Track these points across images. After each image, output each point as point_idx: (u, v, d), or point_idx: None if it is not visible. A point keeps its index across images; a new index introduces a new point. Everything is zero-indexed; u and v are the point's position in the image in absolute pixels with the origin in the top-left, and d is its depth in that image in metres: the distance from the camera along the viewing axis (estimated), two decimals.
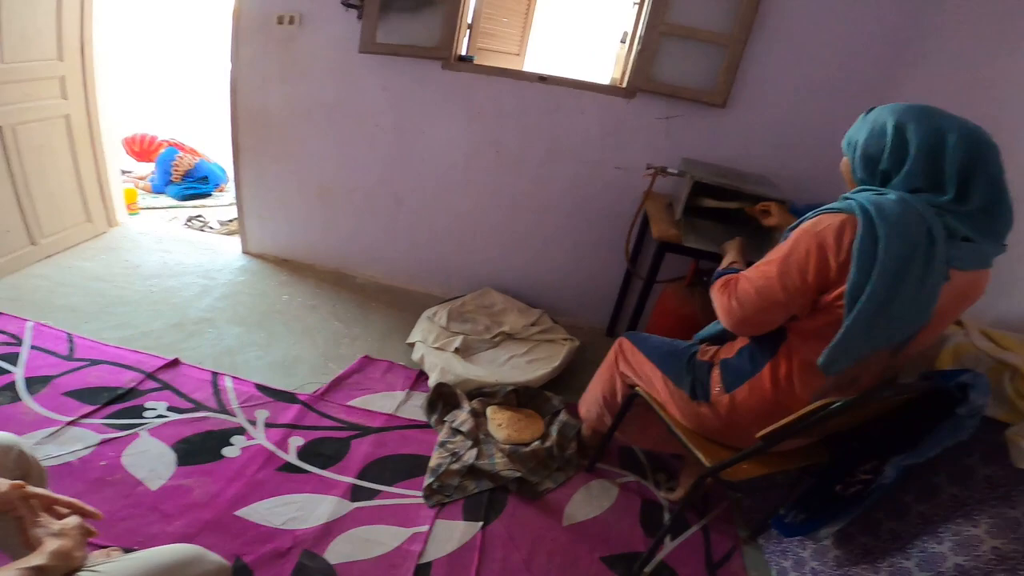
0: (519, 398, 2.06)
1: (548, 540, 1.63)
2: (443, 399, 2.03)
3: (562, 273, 2.67)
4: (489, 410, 1.99)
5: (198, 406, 1.87)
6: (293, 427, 1.86)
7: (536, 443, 1.87)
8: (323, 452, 1.78)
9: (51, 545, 0.82)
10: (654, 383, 1.53)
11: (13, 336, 2.07)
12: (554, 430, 1.92)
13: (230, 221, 3.43)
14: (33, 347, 2.02)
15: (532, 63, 2.75)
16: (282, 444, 1.78)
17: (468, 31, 2.40)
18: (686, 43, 2.16)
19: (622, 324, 2.57)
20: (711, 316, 1.41)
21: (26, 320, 2.16)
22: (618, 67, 2.54)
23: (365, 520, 1.58)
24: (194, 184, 3.99)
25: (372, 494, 1.67)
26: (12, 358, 1.95)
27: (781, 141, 2.28)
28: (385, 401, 2.05)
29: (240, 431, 1.80)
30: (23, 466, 1.03)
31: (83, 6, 2.54)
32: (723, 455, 1.38)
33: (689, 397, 1.43)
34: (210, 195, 4.06)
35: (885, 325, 1.06)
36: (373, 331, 2.45)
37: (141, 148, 4.24)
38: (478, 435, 1.90)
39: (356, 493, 1.66)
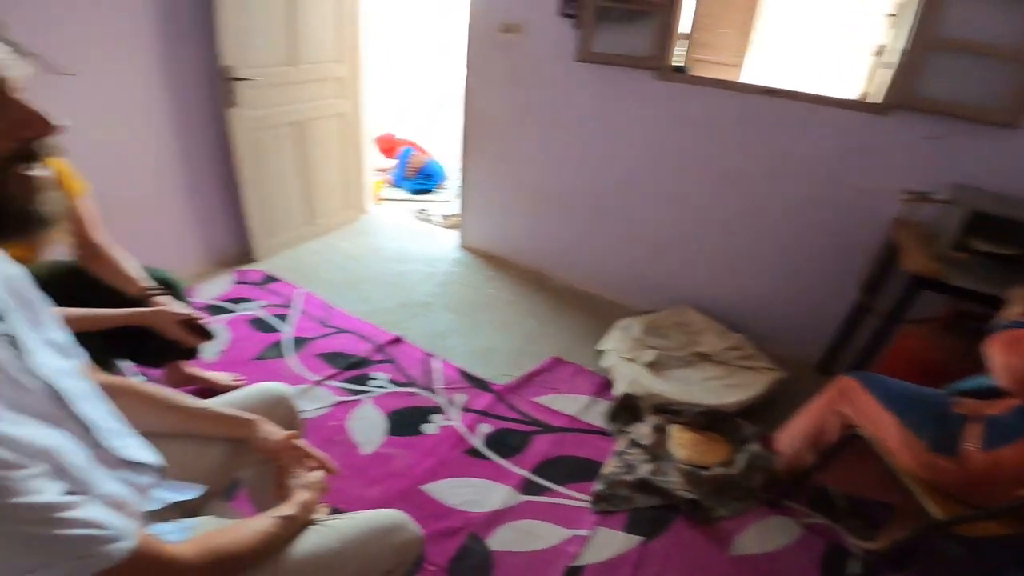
0: (707, 421, 2.03)
1: (709, 567, 1.61)
2: (627, 410, 2.08)
3: (773, 300, 2.52)
4: (673, 428, 2.00)
5: (411, 382, 2.17)
6: (484, 414, 2.07)
7: (719, 468, 1.84)
8: (507, 442, 1.95)
9: (300, 496, 0.95)
10: (885, 428, 1.44)
11: (287, 299, 2.59)
12: (742, 459, 1.86)
13: (451, 216, 3.82)
14: (302, 311, 2.52)
15: (752, 75, 2.61)
16: (472, 428, 1.99)
17: (685, 41, 2.36)
18: (961, 57, 1.88)
19: (841, 361, 2.35)
20: (966, 366, 1.30)
21: (298, 288, 2.68)
22: (869, 82, 2.30)
23: (531, 514, 1.70)
24: (422, 180, 4.51)
25: (542, 490, 1.79)
26: (284, 319, 2.45)
27: None
28: (569, 403, 2.17)
29: (439, 411, 2.05)
30: (289, 418, 1.19)
31: (353, 13, 3.02)
32: (956, 509, 1.28)
33: (928, 448, 1.34)
34: (432, 191, 4.55)
35: None
36: (565, 333, 2.59)
37: (386, 145, 4.88)
38: (657, 451, 1.92)
39: (528, 487, 1.79)
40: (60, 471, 0.65)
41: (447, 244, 3.37)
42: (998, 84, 1.86)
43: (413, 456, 1.85)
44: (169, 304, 1.49)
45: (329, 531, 0.94)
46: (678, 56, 2.38)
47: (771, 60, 2.78)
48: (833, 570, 1.62)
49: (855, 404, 1.54)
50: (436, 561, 1.51)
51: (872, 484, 1.62)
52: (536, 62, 2.61)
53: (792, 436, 1.76)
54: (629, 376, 2.18)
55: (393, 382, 2.16)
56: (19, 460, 0.59)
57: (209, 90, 2.53)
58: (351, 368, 2.20)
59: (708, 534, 1.71)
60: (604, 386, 2.27)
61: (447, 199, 4.13)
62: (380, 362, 2.26)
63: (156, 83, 2.35)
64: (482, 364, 2.32)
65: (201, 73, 2.48)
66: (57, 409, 0.76)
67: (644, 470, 1.84)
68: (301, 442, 1.06)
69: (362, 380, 2.15)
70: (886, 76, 2.06)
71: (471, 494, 1.74)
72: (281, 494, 1.00)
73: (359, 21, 3.08)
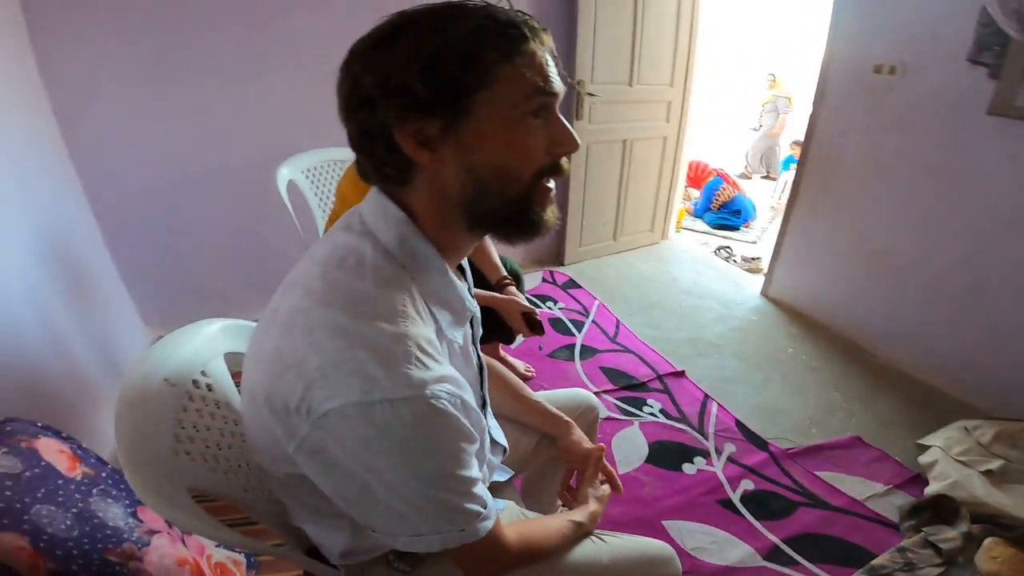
0: None
1: None
2: (934, 510, 1.78)
3: None
4: (988, 540, 1.65)
5: (683, 418, 2.21)
6: (751, 471, 1.99)
7: None
8: (767, 505, 1.85)
9: (592, 507, 0.99)
10: None
11: (584, 308, 2.83)
12: None
13: (754, 259, 3.67)
14: (594, 322, 2.74)
15: None
16: (733, 482, 1.94)
17: None
18: None
19: None
20: None
21: (595, 299, 2.91)
22: None
23: None
24: (727, 215, 4.38)
25: (790, 562, 1.66)
26: (579, 326, 2.70)
27: None
28: (858, 486, 1.95)
29: (705, 454, 2.05)
30: (591, 426, 1.25)
31: (691, 41, 3.10)
32: None
33: None
34: (738, 229, 4.37)
35: None
36: (874, 416, 2.30)
37: (695, 174, 4.84)
38: (956, 558, 1.62)
39: (774, 554, 1.68)
40: (481, 447, 0.74)
41: (747, 288, 3.28)
42: None
43: (664, 489, 1.89)
44: (517, 295, 1.70)
45: (604, 546, 0.98)
46: None
47: None
48: None
49: None
50: None
51: None
52: (920, 109, 2.32)
53: None
54: (955, 478, 1.85)
55: (664, 413, 2.23)
56: (474, 435, 0.66)
57: (563, 103, 2.88)
58: (628, 388, 2.33)
59: None
60: (910, 480, 1.98)
61: (753, 240, 3.97)
62: (657, 391, 2.34)
63: None
64: (763, 422, 2.23)
65: None
66: (480, 387, 0.86)
67: (929, 572, 1.58)
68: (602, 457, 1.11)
69: (636, 403, 2.27)
70: None
71: (709, 543, 1.71)
72: (566, 497, 1.09)
73: (695, 49, 3.18)
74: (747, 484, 1.93)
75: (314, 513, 0.80)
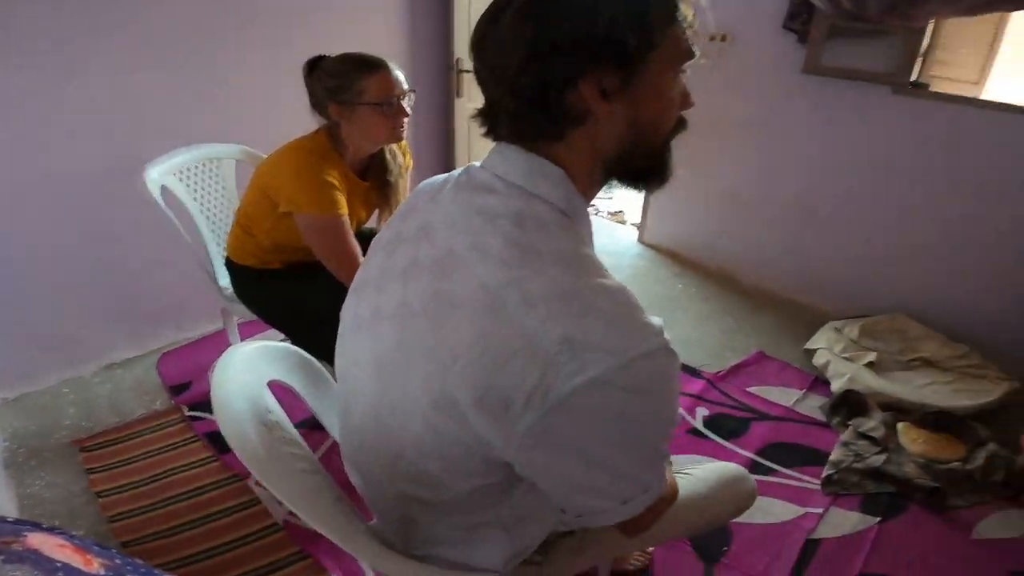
0: (936, 421, 1.96)
1: (950, 546, 1.60)
2: (848, 405, 2.06)
3: (1001, 314, 2.31)
4: (901, 425, 1.96)
5: None
6: (698, 398, 2.11)
7: (956, 463, 1.80)
8: (725, 426, 1.99)
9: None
10: None
11: None
12: (980, 456, 1.81)
13: (617, 212, 3.85)
14: None
15: (995, 93, 2.41)
16: (690, 411, 2.04)
17: (921, 58, 2.25)
18: None
19: None
20: None
21: None
22: None
23: (761, 492, 1.66)
24: None
25: (769, 471, 1.81)
26: None
27: None
28: (782, 395, 2.17)
29: None
30: None
31: None
32: None
33: None
34: None
35: None
36: (764, 332, 2.57)
37: None
38: (887, 444, 1.90)
39: (755, 467, 1.82)
40: None
41: (623, 238, 3.44)
42: None
43: None
44: None
45: (693, 480, 1.00)
46: (913, 72, 2.28)
47: (1018, 79, 2.55)
48: None
49: None
50: None
51: None
52: (751, 71, 2.63)
53: None
54: (848, 374, 2.15)
55: None
56: None
57: (438, 80, 2.78)
58: None
59: (945, 519, 1.69)
60: (815, 383, 2.24)
61: (609, 196, 4.15)
62: None
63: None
64: (687, 353, 2.36)
65: (431, 63, 2.75)
66: None
67: (875, 460, 1.82)
68: None
69: None
70: None
71: None
72: None
73: None
74: (702, 411, 2.04)
75: (470, 531, 0.72)
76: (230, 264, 1.68)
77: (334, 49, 1.47)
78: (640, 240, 3.34)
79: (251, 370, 0.78)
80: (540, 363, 0.51)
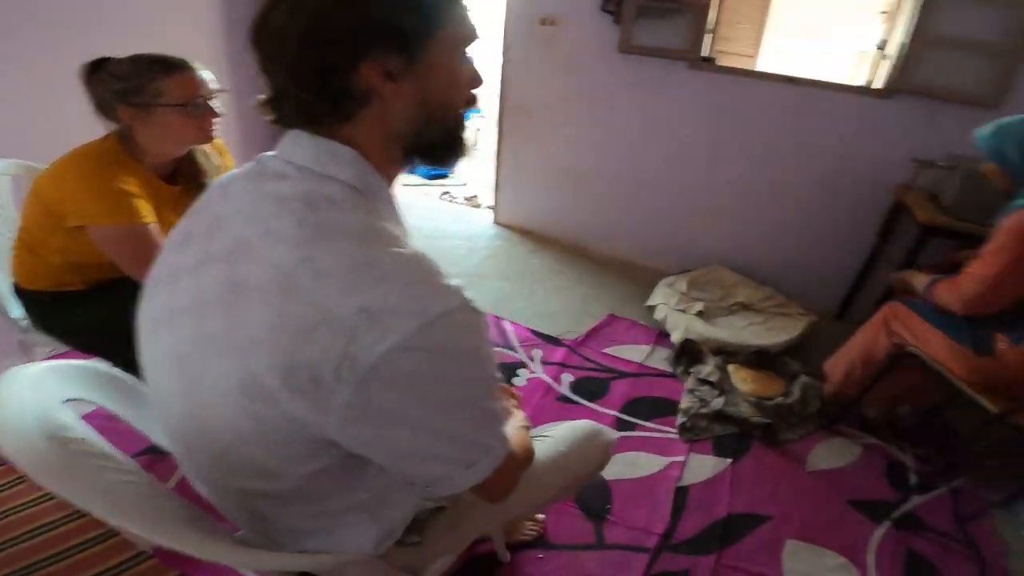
0: (758, 359, 2.21)
1: (793, 481, 1.80)
2: (688, 354, 2.25)
3: (795, 257, 2.73)
4: (731, 367, 2.17)
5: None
6: (563, 365, 2.21)
7: (780, 398, 2.01)
8: (589, 388, 2.10)
9: (518, 412, 0.99)
10: (934, 343, 1.65)
11: None
12: (796, 389, 2.06)
13: (472, 197, 3.90)
14: None
15: (766, 64, 2.80)
16: (556, 378, 2.13)
17: (709, 34, 2.54)
18: (955, 51, 2.12)
19: (857, 307, 2.57)
20: None
21: None
22: (871, 70, 2.53)
23: (630, 447, 1.85)
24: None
25: (634, 426, 1.95)
26: None
27: None
28: (633, 352, 2.33)
29: (523, 366, 2.18)
30: None
31: None
32: (1006, 405, 1.48)
33: (974, 353, 1.55)
34: (447, 176, 4.60)
35: None
36: (614, 295, 2.74)
37: None
38: (723, 386, 2.10)
39: (621, 424, 1.95)
40: None
41: (479, 222, 3.47)
42: (984, 72, 2.12)
43: None
44: None
45: (552, 441, 1.05)
46: (704, 48, 2.56)
47: (782, 51, 2.97)
48: (896, 481, 1.83)
49: (906, 324, 1.75)
50: None
51: (916, 391, 1.89)
52: (578, 53, 2.74)
53: (842, 363, 1.96)
54: (683, 325, 2.34)
55: None
56: None
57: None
58: None
59: (782, 454, 1.90)
60: (659, 336, 2.44)
61: (463, 182, 4.19)
62: None
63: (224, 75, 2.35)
64: (549, 323, 2.45)
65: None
66: None
67: (716, 403, 2.01)
68: None
69: None
70: (886, 66, 2.32)
71: None
72: None
73: None
74: (567, 377, 2.13)
75: (332, 519, 0.71)
76: (20, 291, 1.45)
77: (132, 51, 1.32)
78: (496, 222, 3.39)
79: (38, 389, 0.69)
80: (342, 335, 0.51)
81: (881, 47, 2.44)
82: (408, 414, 0.56)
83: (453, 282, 0.57)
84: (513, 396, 1.10)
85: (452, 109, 0.68)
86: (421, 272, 0.56)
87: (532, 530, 1.48)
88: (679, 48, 2.50)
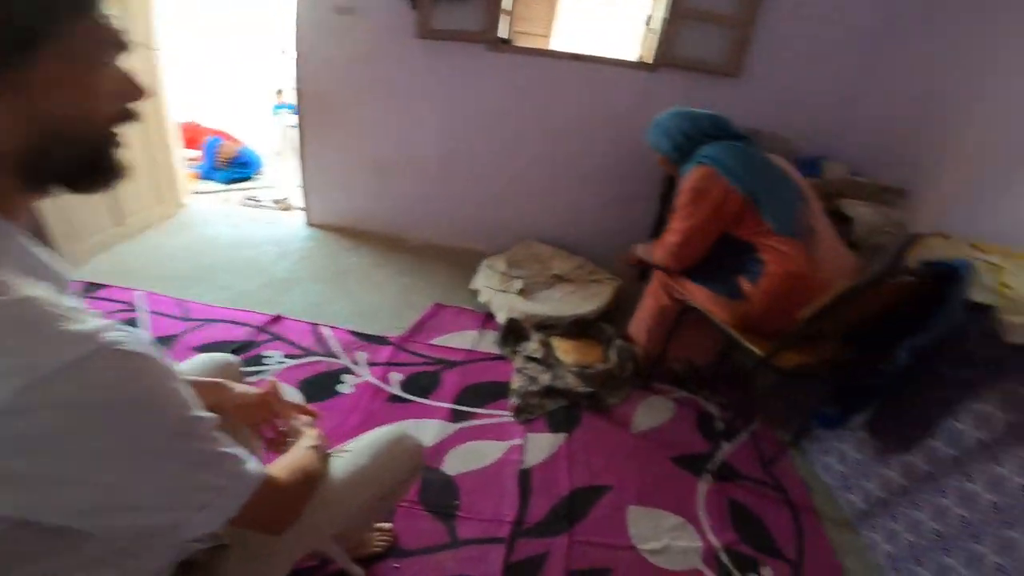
0: (577, 328, 2.27)
1: (623, 445, 1.85)
2: (513, 333, 2.23)
3: (597, 225, 2.87)
4: (554, 339, 2.20)
5: (307, 352, 2.07)
6: (390, 364, 2.06)
7: (599, 365, 2.08)
8: (420, 383, 1.98)
9: (310, 431, 0.93)
10: (699, 297, 1.78)
11: (127, 304, 2.25)
12: (612, 354, 2.12)
13: (282, 199, 3.58)
14: (151, 312, 2.20)
15: (558, 43, 2.91)
16: (385, 379, 1.98)
17: (506, 16, 2.55)
18: (704, 24, 2.35)
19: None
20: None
21: (134, 290, 2.33)
22: (643, 45, 2.72)
23: (468, 438, 1.78)
24: (238, 169, 4.13)
25: (469, 416, 1.87)
26: (133, 322, 2.13)
27: (787, 103, 2.51)
28: (462, 339, 2.26)
29: (347, 371, 2.00)
30: (241, 381, 1.11)
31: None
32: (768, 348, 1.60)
33: (729, 299, 1.68)
34: (252, 178, 4.20)
35: (775, 190, 1.64)
36: (436, 283, 2.65)
37: (192, 136, 4.33)
38: (549, 361, 2.11)
39: (456, 415, 1.86)
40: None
41: (291, 224, 3.15)
42: (726, 44, 2.37)
43: (339, 415, 1.79)
44: None
45: (352, 455, 0.96)
46: (502, 30, 2.54)
47: (571, 30, 3.10)
48: (707, 432, 1.97)
49: (677, 284, 1.88)
50: (407, 498, 1.53)
51: (705, 347, 2.07)
52: (376, 41, 2.58)
53: (642, 322, 2.08)
54: (506, 304, 2.33)
55: (289, 356, 2.03)
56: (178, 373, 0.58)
57: None
58: (238, 352, 2.01)
59: (610, 420, 1.95)
60: (486, 319, 2.40)
61: (271, 184, 3.84)
62: (267, 341, 2.10)
63: None
64: (370, 323, 2.29)
65: None
66: None
67: (544, 379, 2.02)
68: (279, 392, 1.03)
69: (258, 360, 1.99)
70: (654, 40, 2.48)
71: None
72: (279, 444, 0.99)
73: (151, 6, 2.69)
74: (396, 376, 1.99)
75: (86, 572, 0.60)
76: None
77: None
78: (309, 223, 3.12)
79: None
80: None
81: (648, 22, 2.64)
82: (61, 474, 0.49)
83: (88, 326, 0.49)
84: (308, 413, 1.02)
85: (90, 125, 0.58)
86: (25, 322, 0.48)
87: (381, 541, 1.39)
88: (477, 31, 2.45)
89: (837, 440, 1.81)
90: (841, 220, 2.07)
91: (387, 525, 1.43)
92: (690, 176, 1.69)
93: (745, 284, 1.67)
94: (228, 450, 0.61)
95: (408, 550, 1.41)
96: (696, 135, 1.75)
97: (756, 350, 1.61)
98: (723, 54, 2.38)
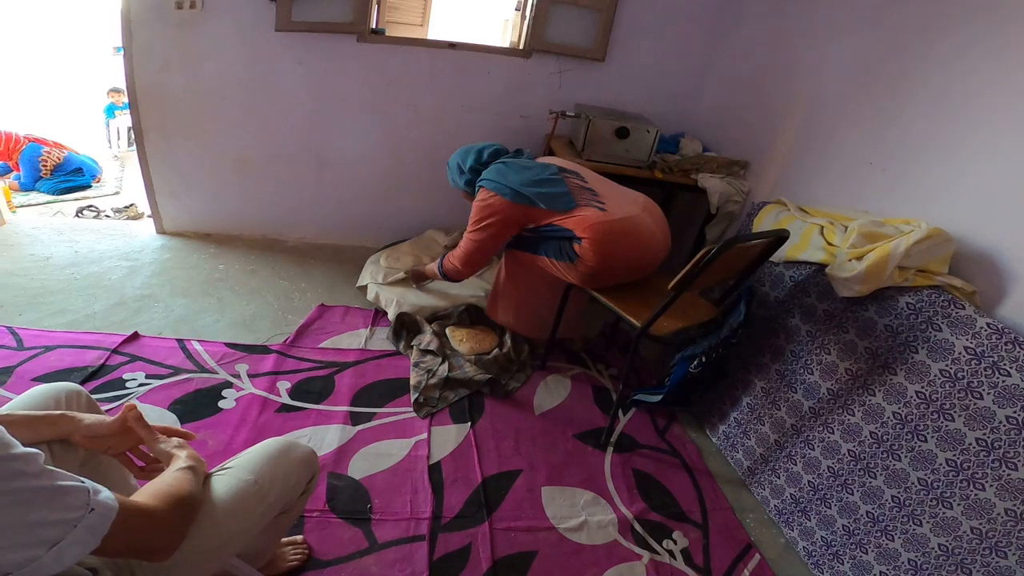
0: (470, 316, 2.20)
1: (527, 428, 1.84)
2: (406, 327, 2.12)
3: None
4: (448, 329, 2.12)
5: (176, 370, 1.81)
6: (276, 373, 1.87)
7: (496, 351, 2.04)
8: (311, 390, 1.82)
9: (183, 452, 0.83)
10: (553, 269, 1.80)
11: None
12: (508, 338, 2.09)
13: (128, 207, 3.11)
14: None
15: (435, 32, 2.81)
16: (272, 389, 1.80)
17: (377, 6, 2.40)
18: (570, 9, 2.40)
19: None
20: None
21: None
22: (514, 32, 2.72)
23: (371, 439, 1.67)
24: (69, 177, 3.54)
25: (369, 417, 1.76)
26: None
27: (648, 85, 2.63)
28: (352, 339, 2.11)
29: (228, 385, 1.78)
30: (93, 408, 0.98)
31: None
32: (645, 317, 1.63)
33: (570, 263, 1.72)
34: (90, 186, 3.63)
35: (543, 184, 1.75)
36: (319, 284, 2.45)
37: (6, 147, 3.63)
38: (445, 352, 2.03)
39: (355, 418, 1.74)
40: None
41: (140, 235, 2.73)
42: (593, 29, 2.43)
43: (225, 432, 1.59)
44: None
45: (235, 471, 0.88)
46: (374, 20, 2.40)
47: (446, 18, 2.99)
48: (603, 405, 2.01)
49: (535, 263, 1.88)
50: (316, 507, 1.40)
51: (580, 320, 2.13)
52: (227, 36, 2.30)
53: (509, 304, 2.08)
54: (395, 298, 2.22)
55: (153, 376, 1.76)
56: None
57: None
58: (91, 379, 1.70)
59: (512, 404, 1.93)
60: (376, 316, 2.27)
61: (114, 191, 3.32)
62: (125, 364, 1.80)
63: None
64: (249, 332, 2.07)
65: None
66: None
67: (442, 371, 1.94)
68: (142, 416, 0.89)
69: (117, 385, 1.70)
70: (525, 27, 2.48)
71: (306, 443, 1.55)
72: (147, 470, 0.91)
73: None
74: (284, 384, 1.81)
75: None
76: None
77: None
78: (161, 232, 2.72)
79: None
80: None
81: (519, 8, 2.63)
82: None
83: None
84: (178, 435, 0.92)
85: None
86: None
87: (295, 555, 1.27)
88: (347, 22, 2.28)
89: (719, 401, 1.92)
90: (698, 191, 2.21)
91: (298, 538, 1.32)
92: (478, 197, 1.83)
93: (575, 246, 1.71)
94: (67, 483, 0.56)
95: (327, 560, 1.30)
96: (477, 166, 1.91)
97: (634, 322, 1.64)
98: (591, 39, 2.44)
